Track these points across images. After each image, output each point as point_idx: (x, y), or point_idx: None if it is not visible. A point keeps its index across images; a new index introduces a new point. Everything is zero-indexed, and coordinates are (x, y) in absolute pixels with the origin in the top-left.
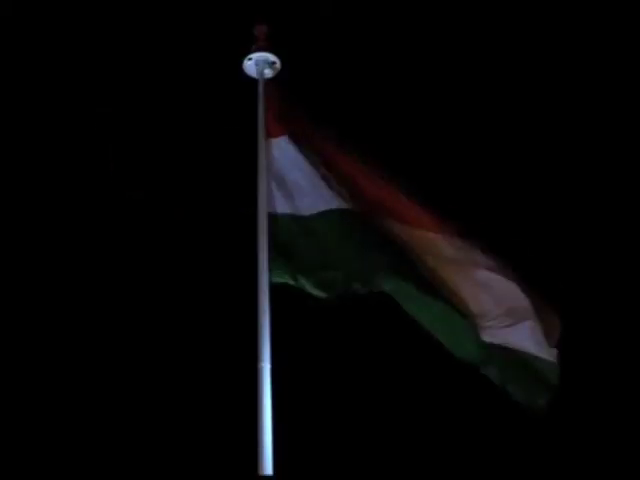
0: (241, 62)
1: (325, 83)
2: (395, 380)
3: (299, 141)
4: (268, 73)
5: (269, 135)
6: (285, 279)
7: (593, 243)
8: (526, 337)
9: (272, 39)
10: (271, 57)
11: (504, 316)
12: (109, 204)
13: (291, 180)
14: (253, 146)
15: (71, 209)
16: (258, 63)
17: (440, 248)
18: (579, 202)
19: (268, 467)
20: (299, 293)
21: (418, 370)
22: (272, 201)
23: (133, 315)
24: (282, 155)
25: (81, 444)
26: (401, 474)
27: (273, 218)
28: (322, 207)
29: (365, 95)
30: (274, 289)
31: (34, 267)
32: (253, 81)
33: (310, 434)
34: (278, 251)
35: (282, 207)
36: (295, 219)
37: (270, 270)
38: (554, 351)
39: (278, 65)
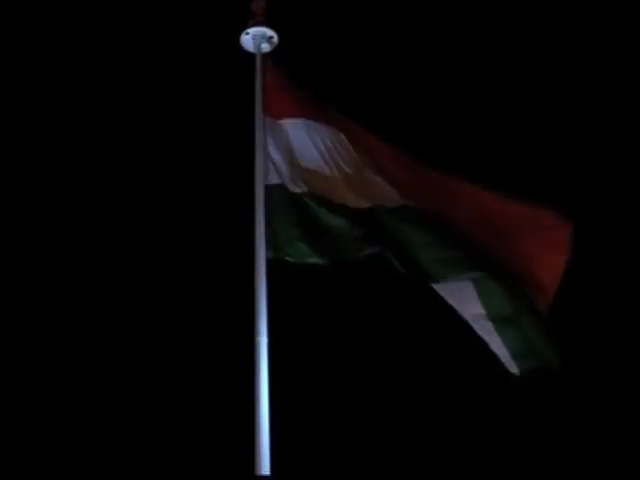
0: (238, 37)
1: (323, 57)
2: (396, 356)
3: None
4: (266, 48)
5: (277, 114)
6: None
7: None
8: None
9: (269, 13)
10: (268, 32)
11: None
12: (109, 203)
13: None
14: (251, 121)
15: (71, 209)
16: (255, 38)
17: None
18: None
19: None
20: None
21: (420, 346)
22: None
23: (133, 302)
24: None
25: (76, 439)
26: (400, 469)
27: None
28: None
29: (363, 69)
30: (271, 264)
31: (34, 267)
32: (250, 56)
33: (308, 411)
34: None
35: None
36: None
37: (267, 244)
38: None
39: (275, 40)
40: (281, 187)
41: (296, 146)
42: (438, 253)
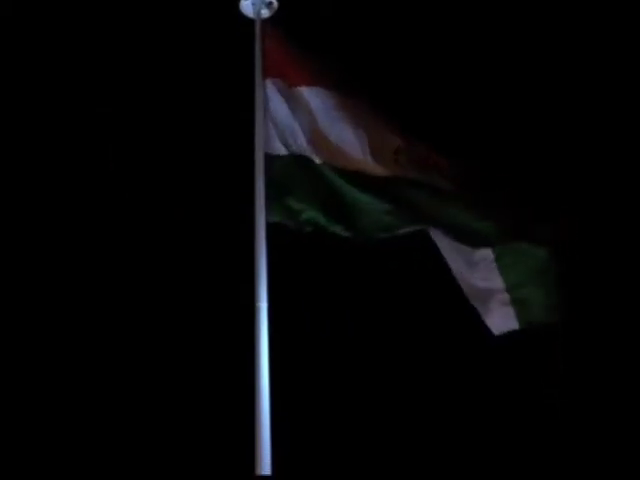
0: (238, 2)
1: (322, 23)
2: (399, 322)
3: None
4: (265, 13)
5: (274, 77)
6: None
7: None
8: None
9: None
10: None
11: None
12: (109, 203)
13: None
14: (251, 87)
15: (71, 209)
16: (255, 3)
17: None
18: None
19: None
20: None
21: (423, 313)
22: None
23: (135, 286)
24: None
25: (73, 437)
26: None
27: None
28: None
29: (364, 35)
30: (271, 229)
31: (34, 267)
32: (250, 21)
33: (309, 384)
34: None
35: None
36: None
37: (267, 211)
38: None
39: (275, 5)
40: (300, 157)
41: (317, 114)
42: (466, 222)
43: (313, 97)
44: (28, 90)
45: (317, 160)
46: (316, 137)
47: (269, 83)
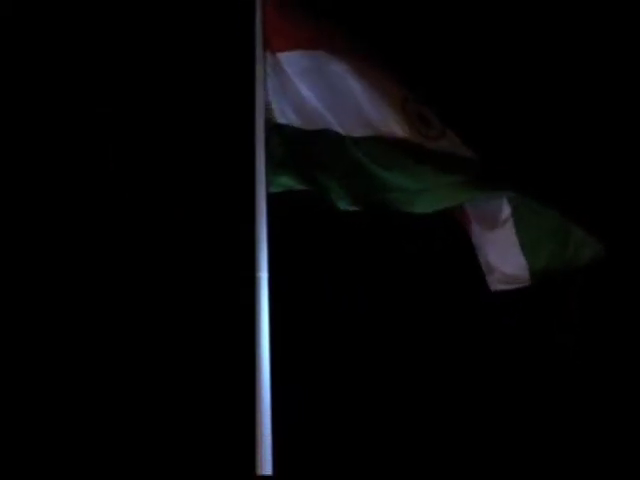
0: None
1: None
2: (402, 291)
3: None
4: None
5: (280, 49)
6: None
7: None
8: None
9: None
10: None
11: None
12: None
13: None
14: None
15: (71, 209)
16: None
17: None
18: None
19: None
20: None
21: (430, 284)
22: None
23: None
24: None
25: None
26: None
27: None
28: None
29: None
30: (273, 197)
31: (33, 267)
32: None
33: (311, 367)
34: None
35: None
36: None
37: (268, 181)
38: None
39: None
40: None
41: (330, 80)
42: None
43: (320, 61)
44: (28, 90)
45: (339, 130)
46: (331, 105)
47: (278, 55)
